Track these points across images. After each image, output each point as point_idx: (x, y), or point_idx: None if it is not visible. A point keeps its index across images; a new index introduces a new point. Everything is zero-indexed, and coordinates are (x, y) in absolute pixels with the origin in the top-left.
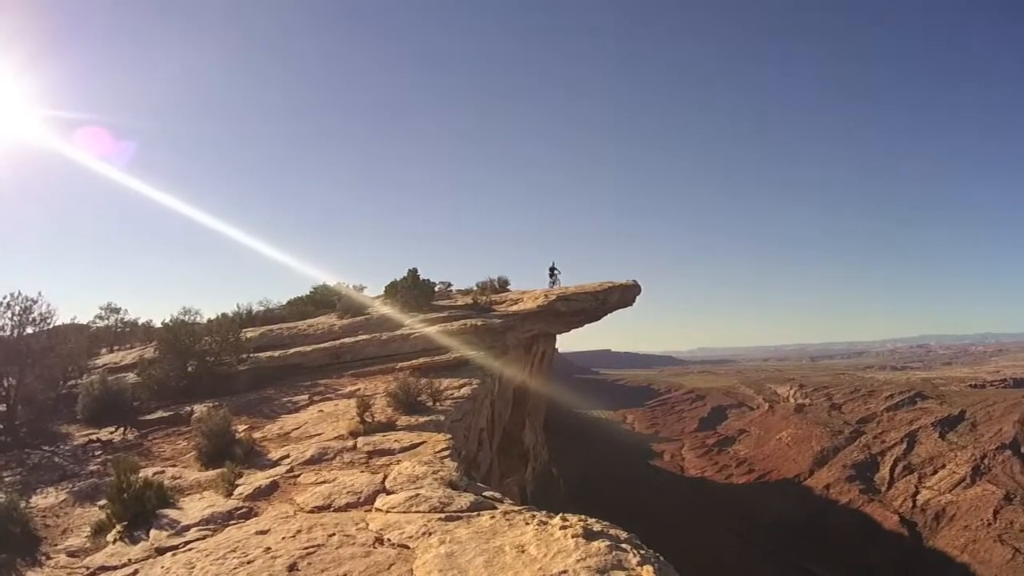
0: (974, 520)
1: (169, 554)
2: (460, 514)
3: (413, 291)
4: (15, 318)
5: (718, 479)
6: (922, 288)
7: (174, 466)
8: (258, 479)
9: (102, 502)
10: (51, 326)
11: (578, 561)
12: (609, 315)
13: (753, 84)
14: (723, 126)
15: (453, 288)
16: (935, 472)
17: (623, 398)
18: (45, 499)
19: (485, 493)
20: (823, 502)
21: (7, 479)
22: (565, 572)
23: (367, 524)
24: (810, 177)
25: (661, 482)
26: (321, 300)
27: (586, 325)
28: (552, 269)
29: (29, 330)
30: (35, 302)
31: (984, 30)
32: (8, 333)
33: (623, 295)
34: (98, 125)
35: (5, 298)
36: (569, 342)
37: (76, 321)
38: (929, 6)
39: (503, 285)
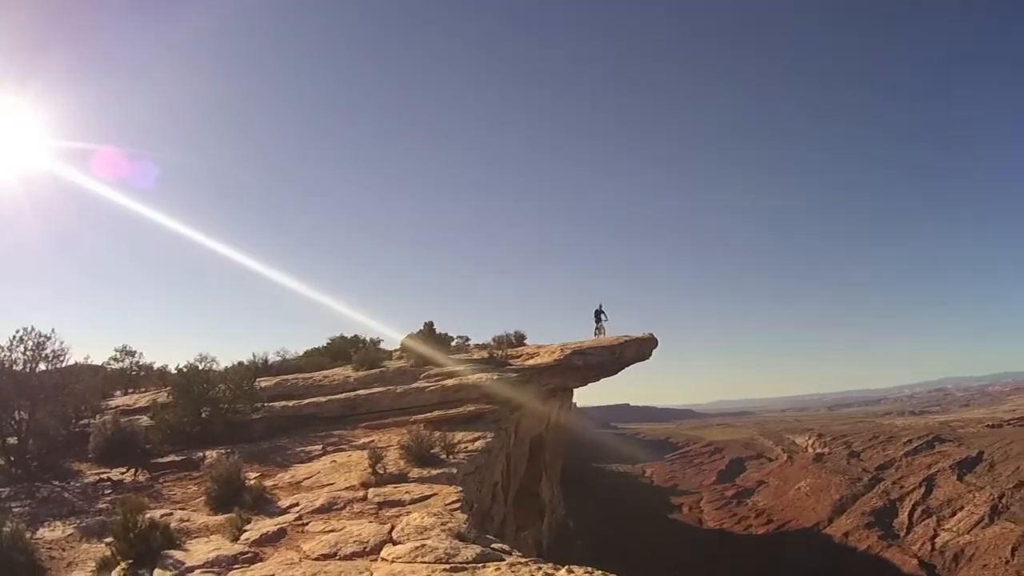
0: (993, 558)
1: None
2: (465, 565)
3: (429, 344)
4: (28, 353)
5: (737, 530)
6: (938, 332)
7: (183, 509)
8: (266, 525)
9: (108, 539)
10: (64, 364)
11: None
12: (627, 369)
13: (781, 134)
14: (738, 182)
15: (470, 342)
16: (953, 514)
17: (641, 452)
18: (52, 532)
19: (494, 545)
20: (842, 549)
21: (15, 510)
22: None
23: (371, 573)
24: (823, 229)
25: (680, 534)
26: (337, 352)
27: (603, 379)
28: (599, 313)
29: (42, 366)
30: (48, 338)
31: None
32: (21, 367)
33: (640, 349)
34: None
35: (18, 332)
36: (587, 396)
37: (90, 361)
38: None
39: (519, 339)
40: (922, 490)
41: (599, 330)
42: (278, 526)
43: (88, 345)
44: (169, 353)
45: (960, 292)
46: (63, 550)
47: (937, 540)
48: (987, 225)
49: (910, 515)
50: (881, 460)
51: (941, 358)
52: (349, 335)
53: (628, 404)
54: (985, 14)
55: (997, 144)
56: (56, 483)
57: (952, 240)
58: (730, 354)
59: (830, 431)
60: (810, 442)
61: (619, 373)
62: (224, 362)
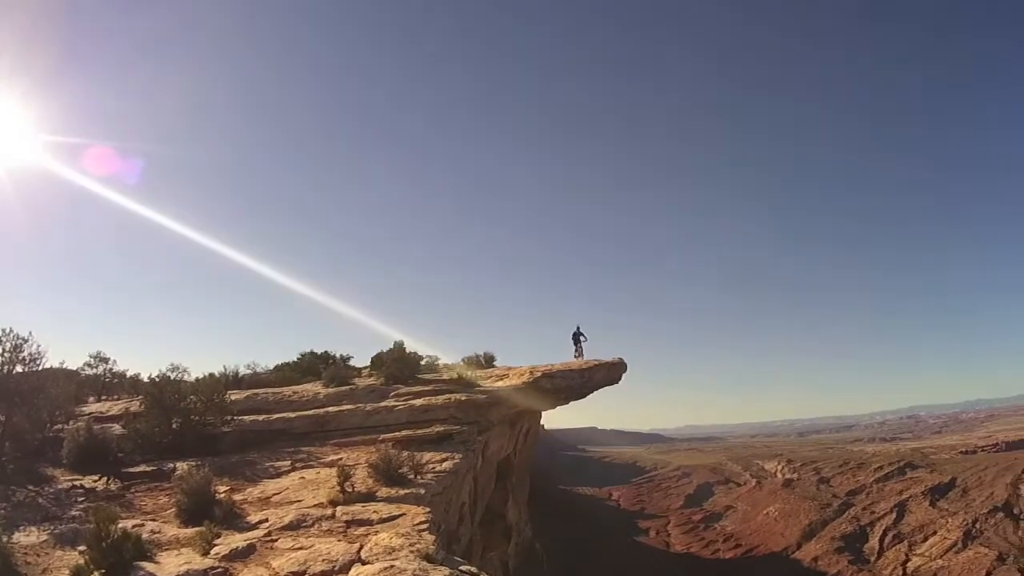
0: None
1: None
2: None
3: (399, 363)
4: (5, 355)
5: (705, 554)
6: (910, 359)
7: (154, 520)
8: (236, 540)
9: (82, 547)
10: (40, 367)
11: None
12: (595, 392)
13: (749, 160)
14: (712, 214)
15: (440, 362)
16: (926, 539)
17: (609, 475)
18: (27, 537)
19: (461, 567)
20: (811, 574)
21: None
22: None
23: None
24: (796, 255)
25: (646, 558)
26: (307, 367)
27: (572, 402)
28: (577, 335)
29: (19, 368)
30: (26, 341)
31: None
32: None
33: (609, 373)
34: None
35: None
36: (555, 419)
37: (65, 365)
38: None
39: (489, 360)
40: (893, 516)
41: (578, 352)
42: (248, 542)
43: (64, 347)
44: (145, 355)
45: (934, 319)
46: (38, 556)
47: (909, 565)
48: (961, 253)
49: (881, 540)
50: (851, 486)
51: (913, 385)
52: (319, 351)
53: (596, 427)
54: None
55: (963, 172)
56: (31, 487)
57: (925, 268)
58: (699, 379)
59: (799, 457)
60: (779, 468)
61: (588, 396)
62: (196, 372)
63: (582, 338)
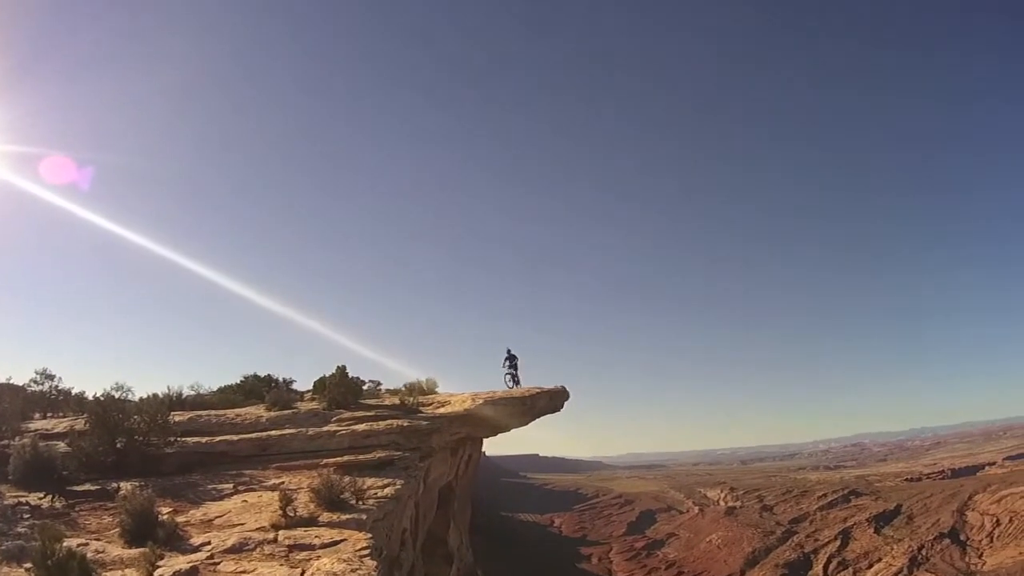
0: None
1: None
2: None
3: (341, 388)
4: None
5: None
6: (855, 386)
7: (98, 540)
8: (179, 562)
9: (28, 565)
10: None
11: None
12: (537, 420)
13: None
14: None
15: (382, 387)
16: (871, 566)
17: (551, 502)
18: None
19: None
20: None
21: None
22: None
23: None
24: (739, 278)
25: None
26: (250, 390)
27: (514, 429)
28: (509, 358)
29: None
30: None
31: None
32: None
33: (551, 400)
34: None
35: None
36: (497, 446)
37: (12, 381)
38: None
39: (431, 387)
40: (838, 543)
41: (513, 378)
42: (191, 564)
43: (9, 363)
44: (90, 371)
45: (879, 346)
46: None
47: None
48: (908, 278)
49: (825, 567)
50: (795, 514)
51: (858, 413)
52: (262, 374)
53: (538, 454)
54: None
55: (923, 196)
56: None
57: (870, 294)
58: (641, 406)
59: (743, 484)
60: (722, 495)
61: (529, 424)
62: (141, 391)
63: (515, 360)
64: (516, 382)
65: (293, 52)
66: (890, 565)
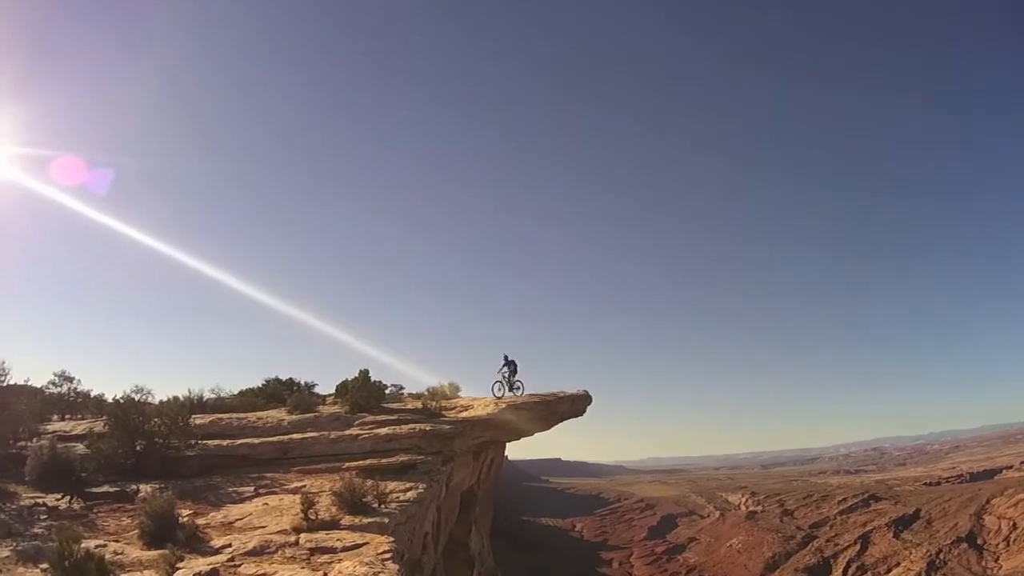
0: None
1: None
2: None
3: (363, 392)
4: None
5: None
6: (875, 391)
7: (117, 541)
8: (199, 564)
9: (44, 565)
10: (4, 384)
11: None
12: (559, 424)
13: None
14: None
15: (404, 391)
16: (889, 570)
17: (572, 506)
18: None
19: None
20: None
21: None
22: None
23: None
24: (760, 283)
25: None
26: (271, 394)
27: (536, 433)
28: (508, 364)
29: None
30: None
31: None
32: None
33: (573, 405)
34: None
35: None
36: (519, 450)
37: (30, 383)
38: None
39: (454, 391)
40: (857, 547)
41: (515, 385)
42: (211, 566)
43: (29, 364)
44: (109, 374)
45: (898, 351)
46: (0, 571)
47: None
48: (925, 282)
49: (844, 572)
50: (815, 518)
51: (878, 417)
52: (284, 377)
53: (560, 459)
54: None
55: (939, 200)
56: None
57: (890, 301)
58: (663, 411)
59: (763, 489)
60: (743, 500)
61: (552, 428)
62: (161, 394)
63: (515, 366)
64: (511, 388)
65: (318, 50)
66: (908, 570)
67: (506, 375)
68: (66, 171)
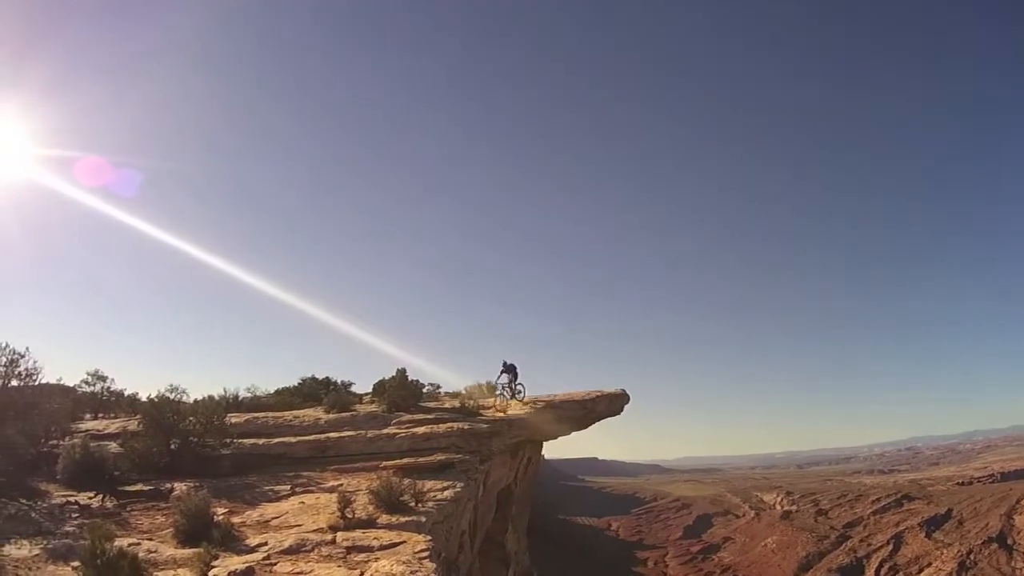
0: None
1: None
2: None
3: (401, 391)
4: (1, 369)
5: None
6: (909, 390)
7: (150, 540)
8: (234, 563)
9: (75, 563)
10: (37, 383)
11: None
12: (597, 423)
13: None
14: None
15: (441, 390)
16: (920, 571)
17: (608, 505)
18: (19, 550)
19: None
20: None
21: None
22: None
23: None
24: (796, 287)
25: None
26: (308, 392)
27: (573, 432)
28: (509, 369)
29: (14, 383)
30: (22, 356)
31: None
32: None
33: (611, 404)
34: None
35: None
36: (556, 449)
37: (62, 382)
38: None
39: (491, 391)
40: (890, 547)
41: (517, 391)
42: (246, 564)
43: (62, 364)
44: (143, 373)
45: (931, 351)
46: (29, 569)
47: None
48: (958, 282)
49: (877, 572)
50: (849, 518)
51: (911, 416)
52: (320, 376)
53: (596, 458)
54: None
55: (964, 202)
56: (23, 501)
57: (924, 300)
58: (699, 411)
59: (798, 489)
60: (778, 500)
61: (589, 428)
62: (195, 393)
63: (516, 370)
64: (513, 394)
65: (345, 51)
66: (939, 570)
67: (506, 383)
68: (91, 172)
